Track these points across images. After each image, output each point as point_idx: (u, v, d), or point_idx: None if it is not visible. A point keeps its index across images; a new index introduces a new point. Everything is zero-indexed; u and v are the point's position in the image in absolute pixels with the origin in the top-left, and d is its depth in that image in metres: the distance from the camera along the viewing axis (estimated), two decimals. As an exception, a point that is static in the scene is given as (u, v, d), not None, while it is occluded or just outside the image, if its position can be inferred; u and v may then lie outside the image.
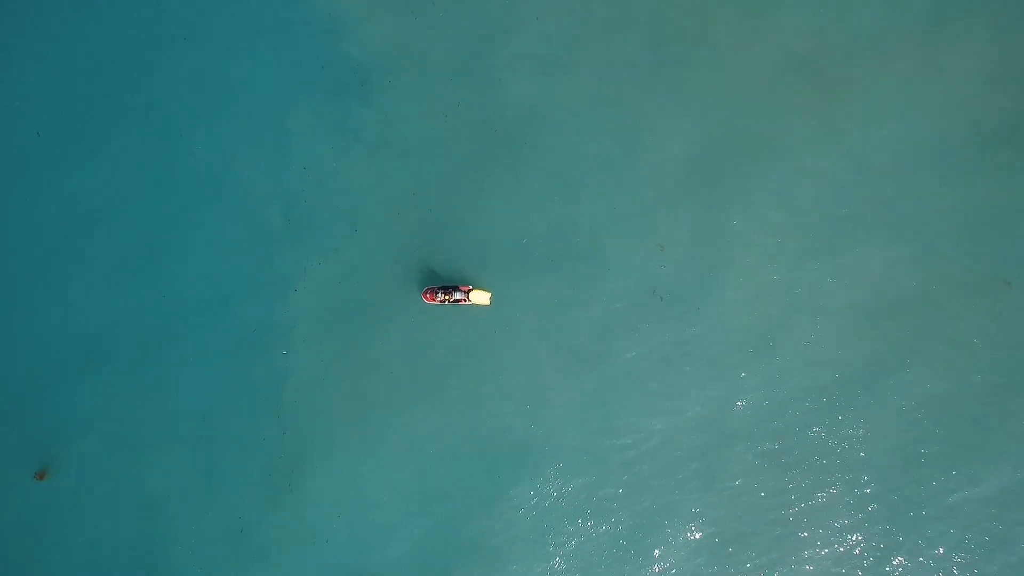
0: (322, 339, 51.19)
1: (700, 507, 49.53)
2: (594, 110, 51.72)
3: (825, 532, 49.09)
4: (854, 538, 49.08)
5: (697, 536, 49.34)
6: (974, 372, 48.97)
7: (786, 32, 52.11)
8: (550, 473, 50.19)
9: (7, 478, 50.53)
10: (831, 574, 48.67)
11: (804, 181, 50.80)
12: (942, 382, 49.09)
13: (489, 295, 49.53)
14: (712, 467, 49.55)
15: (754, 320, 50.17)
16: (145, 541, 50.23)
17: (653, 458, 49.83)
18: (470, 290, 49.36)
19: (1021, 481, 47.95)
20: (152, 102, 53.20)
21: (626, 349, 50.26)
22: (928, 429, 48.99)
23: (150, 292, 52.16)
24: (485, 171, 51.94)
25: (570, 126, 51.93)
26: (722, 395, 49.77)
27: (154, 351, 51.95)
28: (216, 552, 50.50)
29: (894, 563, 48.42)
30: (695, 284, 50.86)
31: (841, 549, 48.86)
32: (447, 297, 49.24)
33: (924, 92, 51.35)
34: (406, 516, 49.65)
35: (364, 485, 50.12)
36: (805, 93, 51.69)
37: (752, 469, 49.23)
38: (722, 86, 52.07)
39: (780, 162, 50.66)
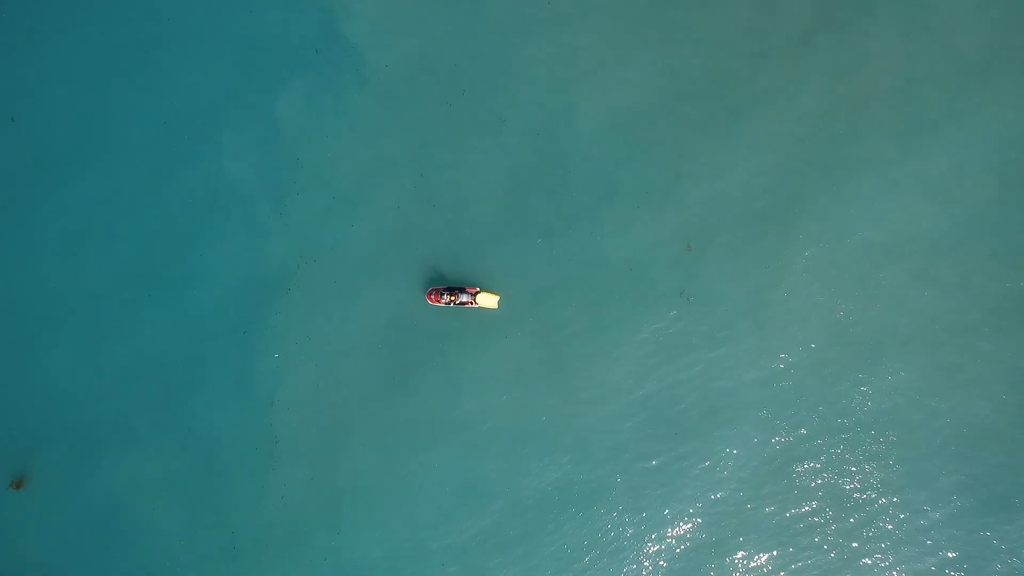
0: (317, 342, 48.97)
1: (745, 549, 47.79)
2: (617, 105, 49.41)
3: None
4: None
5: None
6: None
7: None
8: (580, 512, 48.31)
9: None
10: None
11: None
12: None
13: (497, 298, 47.35)
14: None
15: (789, 327, 48.09)
16: (130, 556, 48.64)
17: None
18: (477, 292, 47.19)
19: None
20: (131, 85, 50.82)
21: (650, 358, 48.42)
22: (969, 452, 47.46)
23: (132, 292, 49.79)
24: (494, 164, 49.28)
25: (591, 116, 49.22)
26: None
27: (137, 354, 49.66)
28: (206, 569, 48.48)
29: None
30: (725, 286, 48.47)
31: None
32: (452, 299, 47.02)
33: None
34: (407, 529, 48.31)
35: (356, 495, 48.31)
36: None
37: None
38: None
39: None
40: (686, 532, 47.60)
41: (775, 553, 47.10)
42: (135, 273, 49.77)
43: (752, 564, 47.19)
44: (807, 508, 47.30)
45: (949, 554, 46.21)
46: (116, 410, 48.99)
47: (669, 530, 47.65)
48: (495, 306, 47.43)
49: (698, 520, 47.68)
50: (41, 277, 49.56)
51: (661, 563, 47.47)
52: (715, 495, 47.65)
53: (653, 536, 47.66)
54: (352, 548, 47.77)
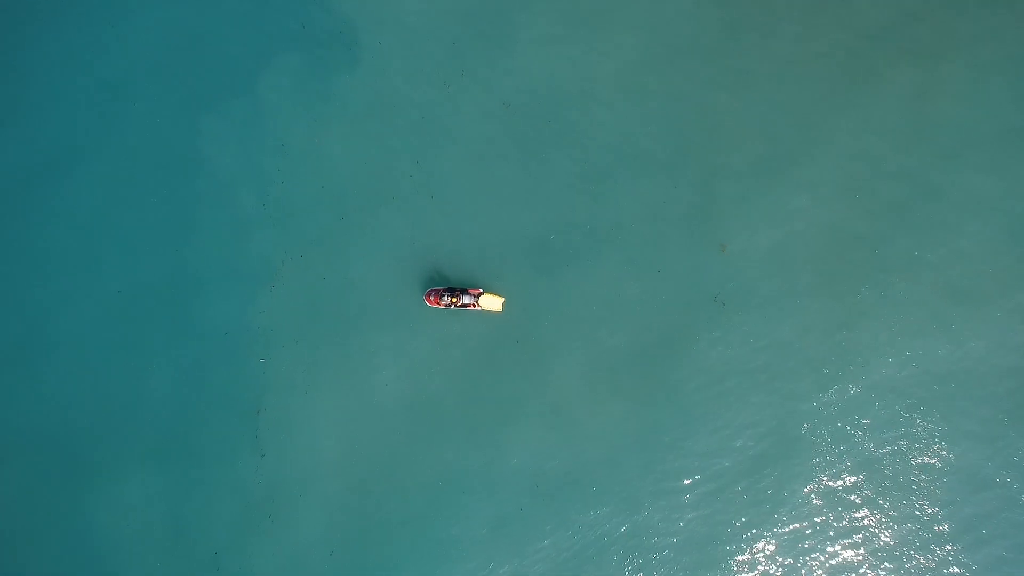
0: (304, 346, 46.35)
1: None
2: (635, 85, 46.57)
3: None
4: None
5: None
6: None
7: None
8: (584, 521, 45.14)
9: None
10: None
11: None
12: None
13: (502, 300, 44.95)
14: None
15: (831, 333, 45.05)
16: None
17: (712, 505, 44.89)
18: (480, 294, 44.89)
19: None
20: (104, 63, 48.15)
21: (676, 366, 45.27)
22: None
23: (103, 288, 47.13)
24: (500, 153, 46.67)
25: (605, 100, 46.61)
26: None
27: (106, 359, 46.76)
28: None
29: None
30: (762, 288, 45.36)
31: None
32: (453, 301, 44.68)
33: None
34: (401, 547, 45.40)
35: (348, 511, 45.60)
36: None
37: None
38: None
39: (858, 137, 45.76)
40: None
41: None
42: (102, 270, 47.13)
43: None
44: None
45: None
46: (87, 422, 46.29)
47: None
48: (500, 309, 44.98)
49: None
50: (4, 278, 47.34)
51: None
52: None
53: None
54: (347, 572, 45.20)
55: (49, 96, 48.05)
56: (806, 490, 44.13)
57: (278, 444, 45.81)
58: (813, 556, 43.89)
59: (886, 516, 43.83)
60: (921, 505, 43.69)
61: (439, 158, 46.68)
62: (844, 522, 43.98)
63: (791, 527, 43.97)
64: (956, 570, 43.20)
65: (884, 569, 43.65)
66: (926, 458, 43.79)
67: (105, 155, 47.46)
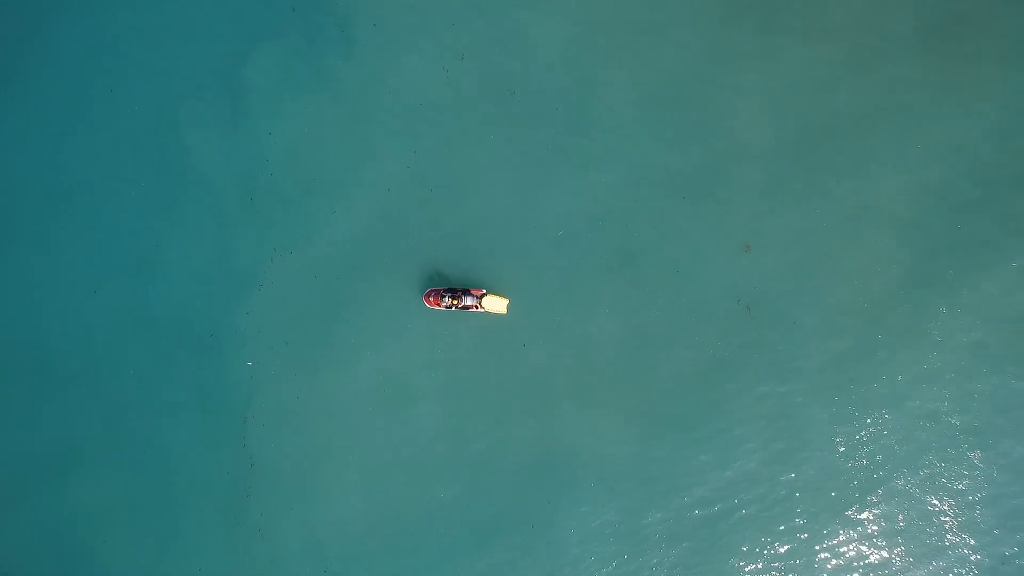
0: (295, 348, 44.49)
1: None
2: (650, 69, 44.47)
3: None
4: None
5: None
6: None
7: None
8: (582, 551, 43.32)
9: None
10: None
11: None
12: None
13: (506, 302, 43.32)
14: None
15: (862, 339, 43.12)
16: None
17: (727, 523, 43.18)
18: (483, 295, 43.26)
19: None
20: (79, 48, 45.85)
21: (696, 376, 43.45)
22: None
23: (79, 288, 44.97)
24: (503, 142, 44.57)
25: (616, 85, 44.47)
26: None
27: (84, 363, 44.73)
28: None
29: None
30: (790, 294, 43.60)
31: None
32: (454, 302, 43.02)
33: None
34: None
35: (343, 527, 43.90)
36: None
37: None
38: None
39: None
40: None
41: None
42: (79, 268, 44.95)
43: None
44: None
45: None
46: (63, 429, 44.33)
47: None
48: (504, 311, 43.36)
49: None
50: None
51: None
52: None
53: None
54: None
55: (10, 79, 45.91)
56: (837, 521, 42.74)
57: (268, 453, 43.92)
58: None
59: (921, 547, 42.62)
60: (958, 536, 42.50)
61: (439, 148, 44.61)
62: (877, 553, 42.62)
63: (821, 557, 42.66)
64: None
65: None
66: (963, 486, 42.42)
67: (78, 146, 45.29)
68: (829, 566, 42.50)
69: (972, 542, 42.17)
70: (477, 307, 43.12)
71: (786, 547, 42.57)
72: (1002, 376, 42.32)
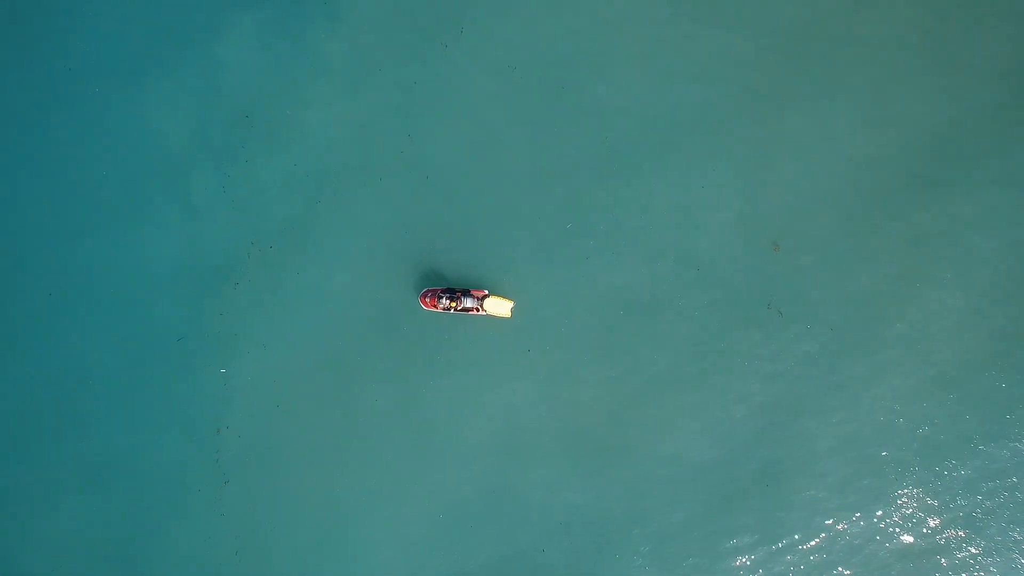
0: (274, 353, 41.40)
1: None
2: (665, 42, 41.92)
3: None
4: None
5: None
6: None
7: None
8: None
9: None
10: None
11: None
12: None
13: (511, 304, 40.63)
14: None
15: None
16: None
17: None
18: (485, 296, 40.56)
19: None
20: (36, 15, 42.79)
21: (723, 389, 40.59)
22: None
23: (32, 288, 41.76)
24: (505, 124, 41.91)
25: (629, 61, 41.78)
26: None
27: (37, 370, 41.55)
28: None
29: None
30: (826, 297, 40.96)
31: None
32: (453, 304, 40.26)
33: None
34: None
35: (327, 551, 40.97)
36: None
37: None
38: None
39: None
40: None
41: None
42: (30, 266, 41.83)
43: None
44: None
45: None
46: (9, 444, 41.28)
47: None
48: (508, 314, 40.68)
49: None
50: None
51: None
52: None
53: None
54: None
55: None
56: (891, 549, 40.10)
57: (244, 469, 40.82)
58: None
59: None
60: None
61: (435, 131, 41.79)
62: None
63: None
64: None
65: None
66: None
67: (28, 126, 42.21)
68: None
69: None
70: (478, 310, 40.47)
71: None
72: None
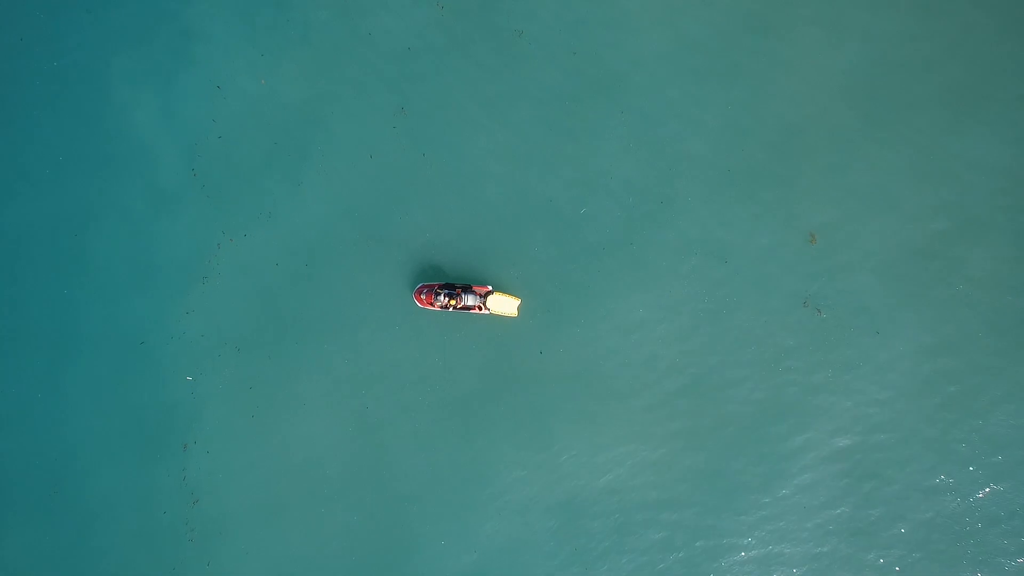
0: (248, 356, 38.14)
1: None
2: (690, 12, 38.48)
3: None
4: None
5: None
6: None
7: None
8: None
9: None
10: None
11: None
12: None
13: (517, 302, 37.51)
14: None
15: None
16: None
17: None
18: (489, 292, 37.34)
19: None
20: None
21: (750, 399, 36.94)
22: None
23: None
24: (511, 95, 38.39)
25: (647, 24, 38.32)
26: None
27: None
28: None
29: None
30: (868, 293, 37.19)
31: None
32: (452, 302, 37.05)
33: None
34: None
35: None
36: None
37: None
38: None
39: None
40: None
41: None
42: None
43: None
44: None
45: None
46: None
47: None
48: (515, 313, 37.59)
49: None
50: None
51: None
52: None
53: None
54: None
55: None
56: None
57: (214, 488, 37.59)
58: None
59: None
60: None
61: (432, 102, 38.39)
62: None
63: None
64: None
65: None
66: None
67: None
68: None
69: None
70: (481, 308, 37.40)
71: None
72: None
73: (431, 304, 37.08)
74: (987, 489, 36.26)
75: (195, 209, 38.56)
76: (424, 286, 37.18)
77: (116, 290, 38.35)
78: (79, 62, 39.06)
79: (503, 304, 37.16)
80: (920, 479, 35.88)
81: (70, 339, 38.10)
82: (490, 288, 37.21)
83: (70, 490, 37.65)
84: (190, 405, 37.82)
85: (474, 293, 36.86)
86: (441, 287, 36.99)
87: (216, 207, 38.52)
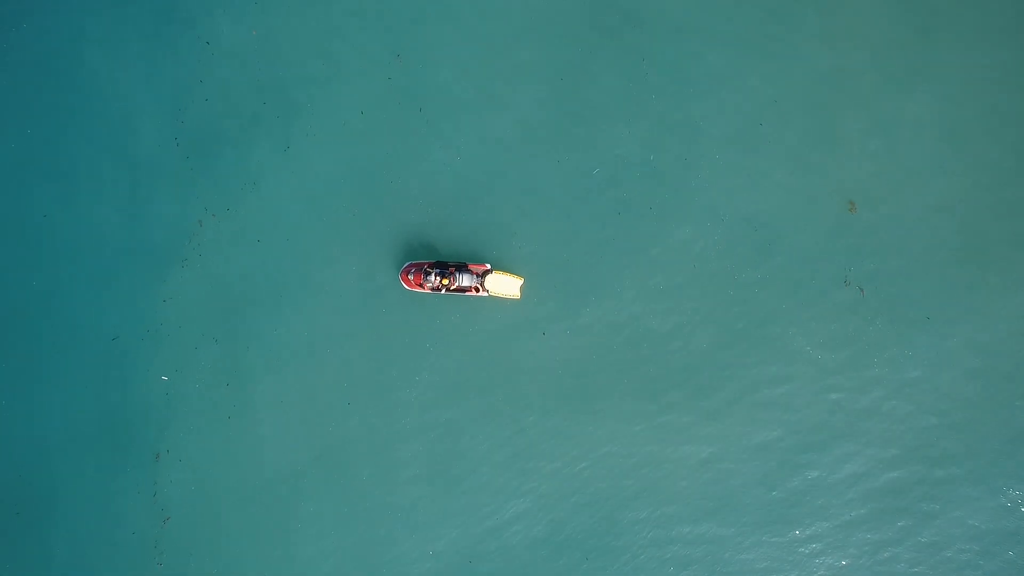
0: (227, 349, 35.45)
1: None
2: None
3: None
4: None
5: None
6: None
7: None
8: None
9: None
10: None
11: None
12: None
13: (520, 282, 34.66)
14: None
15: None
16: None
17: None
18: (487, 271, 34.53)
19: None
20: None
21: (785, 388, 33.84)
22: None
23: None
24: (519, 45, 35.45)
25: None
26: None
27: None
28: None
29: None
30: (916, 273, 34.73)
31: None
32: (445, 282, 34.01)
33: None
34: None
35: None
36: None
37: None
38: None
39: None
40: None
41: None
42: None
43: None
44: None
45: None
46: None
47: None
48: (517, 294, 34.84)
49: None
50: None
51: None
52: None
53: None
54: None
55: None
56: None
57: (188, 502, 34.88)
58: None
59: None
60: None
61: (432, 52, 35.77)
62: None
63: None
64: None
65: None
66: None
67: None
68: None
69: None
70: (478, 289, 34.36)
71: None
72: None
73: (420, 286, 34.13)
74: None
75: (176, 183, 35.94)
76: (412, 264, 34.19)
77: (89, 279, 35.99)
78: (54, 22, 36.61)
79: (504, 284, 34.24)
80: None
81: (35, 335, 35.73)
82: (488, 266, 34.37)
83: (30, 510, 35.28)
84: (164, 408, 35.20)
85: (470, 272, 33.98)
86: (431, 265, 34.01)
87: (198, 180, 35.85)
